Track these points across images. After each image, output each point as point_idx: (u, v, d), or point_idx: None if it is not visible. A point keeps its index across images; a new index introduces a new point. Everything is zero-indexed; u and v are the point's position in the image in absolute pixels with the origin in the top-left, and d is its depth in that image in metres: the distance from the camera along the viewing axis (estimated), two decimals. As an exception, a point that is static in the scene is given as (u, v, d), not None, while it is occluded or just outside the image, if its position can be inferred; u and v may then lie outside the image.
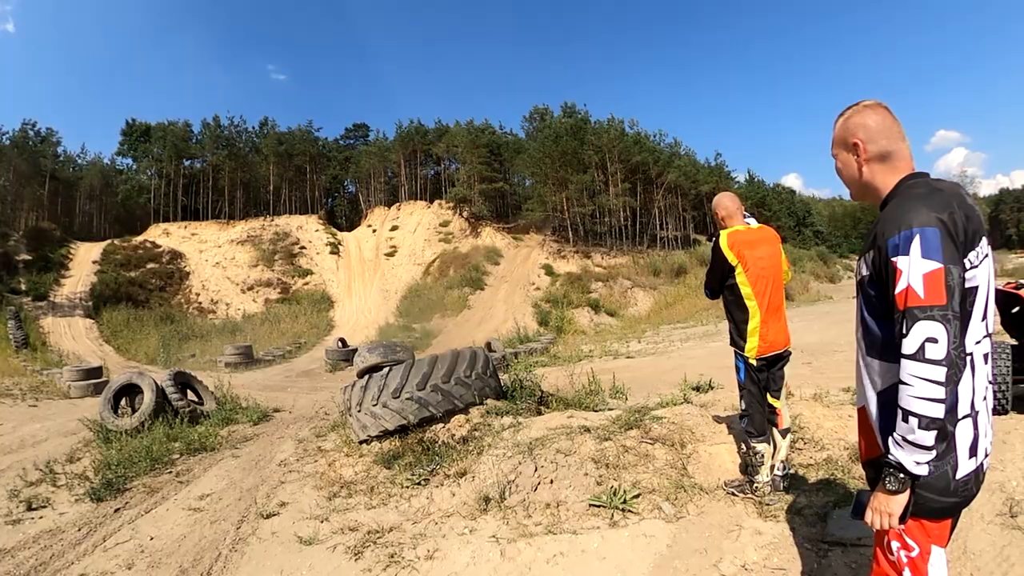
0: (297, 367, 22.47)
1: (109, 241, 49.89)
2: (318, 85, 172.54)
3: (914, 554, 1.73)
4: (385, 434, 5.89)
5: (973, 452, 1.72)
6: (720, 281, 4.13)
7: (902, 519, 1.69)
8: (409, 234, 56.93)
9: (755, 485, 4.14)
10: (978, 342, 1.74)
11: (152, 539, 4.55)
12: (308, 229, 57.41)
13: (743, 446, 4.38)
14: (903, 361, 1.63)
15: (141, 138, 64.80)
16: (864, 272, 1.84)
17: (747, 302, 4.03)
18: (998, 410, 5.17)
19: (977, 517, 3.42)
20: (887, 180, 1.88)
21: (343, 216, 68.15)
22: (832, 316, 17.39)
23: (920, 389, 1.59)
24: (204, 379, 10.42)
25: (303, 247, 54.47)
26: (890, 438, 1.70)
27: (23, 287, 39.02)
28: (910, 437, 1.62)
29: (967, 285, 1.69)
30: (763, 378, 4.14)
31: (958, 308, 1.62)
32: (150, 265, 47.15)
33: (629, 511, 4.08)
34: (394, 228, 58.55)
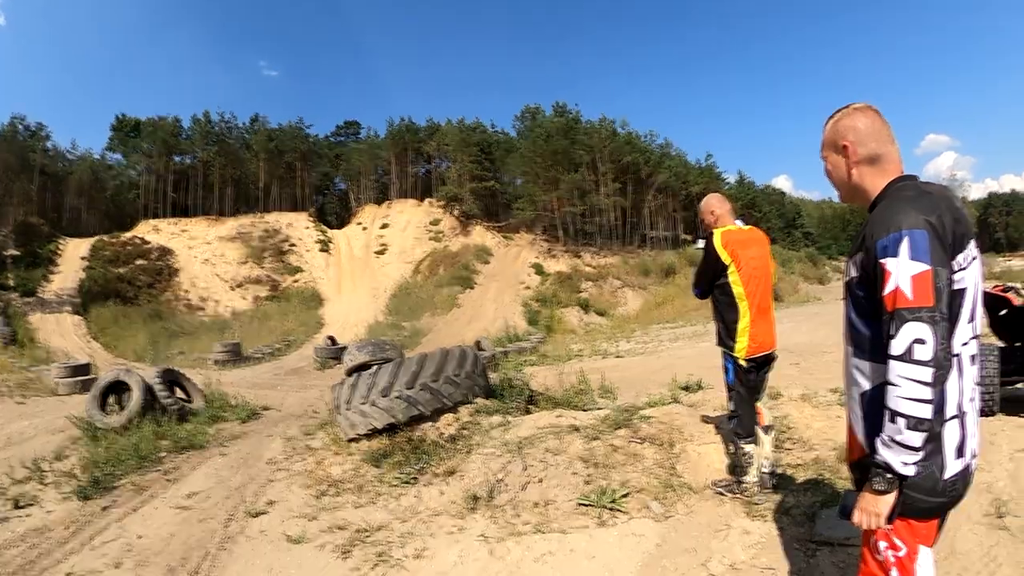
0: (286, 365, 22.35)
1: (98, 237, 49.37)
2: (310, 82, 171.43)
3: (901, 554, 1.74)
4: (374, 432, 5.86)
5: (960, 453, 1.73)
6: (711, 280, 4.13)
7: (889, 519, 1.70)
8: (399, 232, 56.80)
9: (743, 485, 4.15)
10: (965, 344, 1.75)
11: (140, 538, 4.51)
12: (298, 226, 57.14)
13: (731, 446, 4.40)
14: (891, 362, 1.64)
15: (131, 133, 64.15)
16: (853, 273, 1.85)
17: (739, 302, 4.03)
18: (986, 412, 5.21)
19: (964, 517, 3.45)
20: (876, 182, 1.89)
21: (333, 214, 67.79)
22: (821, 317, 17.46)
23: (908, 390, 1.60)
24: (193, 376, 10.31)
25: (293, 244, 54.22)
26: (878, 439, 1.70)
27: (11, 283, 38.65)
28: (898, 437, 1.63)
29: (955, 287, 1.70)
30: (752, 379, 4.16)
31: (946, 310, 1.63)
32: (139, 261, 46.74)
33: (618, 510, 4.09)
34: (384, 226, 58.38)
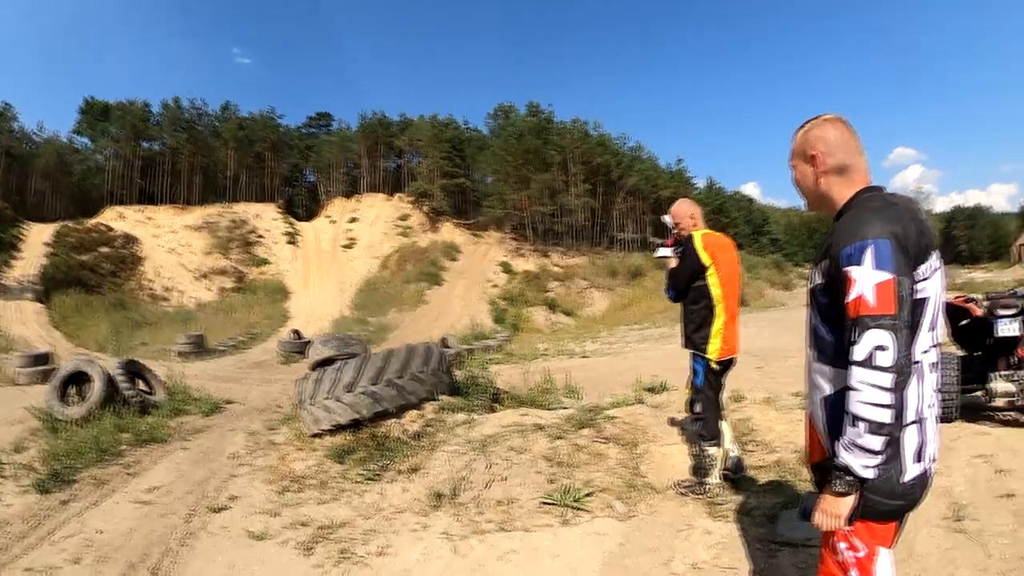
0: (250, 358, 22.06)
1: (62, 223, 47.62)
2: (283, 71, 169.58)
3: (861, 555, 1.77)
4: (338, 428, 5.82)
5: (919, 457, 1.76)
6: (689, 281, 4.17)
7: (849, 521, 1.73)
8: (368, 227, 56.34)
9: (706, 486, 4.20)
10: (926, 351, 1.78)
11: (100, 533, 4.41)
12: (266, 217, 56.27)
13: (695, 448, 4.44)
14: (852, 367, 1.66)
15: (100, 117, 62.37)
16: (817, 280, 1.87)
17: (716, 304, 4.10)
18: (946, 418, 5.34)
19: (923, 520, 3.52)
20: (843, 192, 1.92)
21: (302, 206, 66.84)
22: (785, 322, 17.74)
23: (868, 395, 1.63)
24: (155, 368, 10.12)
25: (260, 236, 53.37)
26: (838, 442, 1.72)
27: (-29, 268, 37.47)
28: (858, 441, 1.65)
29: (917, 296, 1.73)
30: (720, 382, 4.22)
31: (907, 318, 1.66)
32: (103, 249, 45.39)
33: (581, 509, 4.10)
34: (353, 220, 57.86)
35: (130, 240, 47.92)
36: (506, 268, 47.69)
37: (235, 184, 62.37)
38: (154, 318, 36.86)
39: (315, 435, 5.94)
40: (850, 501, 1.71)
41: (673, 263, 4.32)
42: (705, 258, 4.08)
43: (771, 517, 3.83)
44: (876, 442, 1.63)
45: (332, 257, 52.11)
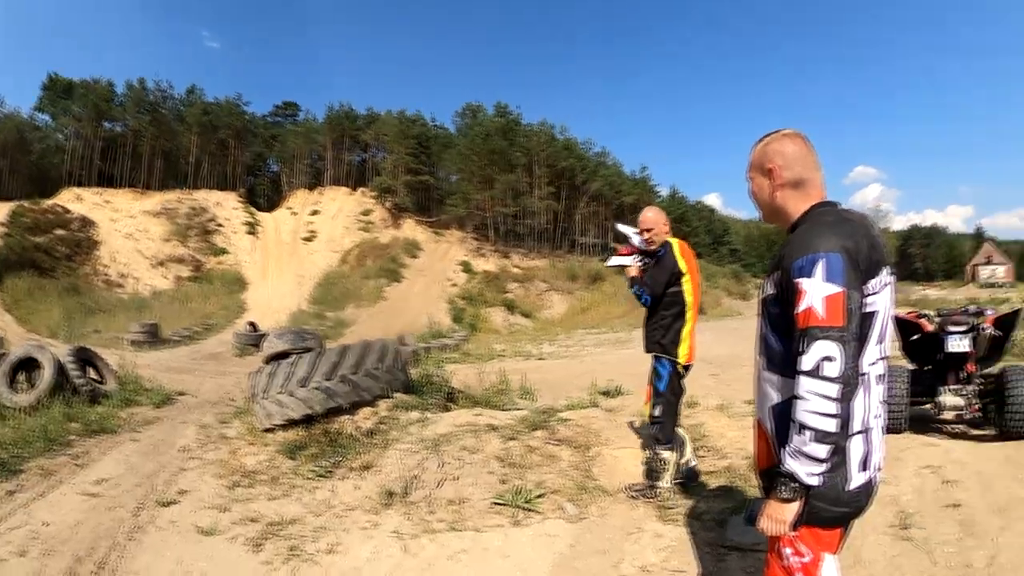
0: (205, 349, 21.69)
1: (18, 203, 45.42)
2: (252, 57, 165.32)
3: (806, 560, 1.79)
4: (290, 423, 5.74)
5: (864, 466, 1.80)
6: (667, 287, 4.23)
7: (794, 526, 1.75)
8: (329, 220, 55.64)
9: (657, 490, 4.24)
10: (873, 363, 1.81)
11: (46, 525, 4.27)
12: (226, 206, 55.00)
13: (649, 451, 4.46)
14: (799, 377, 1.69)
15: (62, 95, 59.94)
16: (769, 291, 1.91)
17: (688, 310, 4.21)
18: (895, 429, 5.49)
19: (871, 528, 3.60)
20: (798, 206, 1.95)
21: (264, 196, 65.46)
22: (741, 332, 18.00)
23: (814, 404, 1.66)
24: (107, 357, 9.92)
25: (220, 224, 52.14)
26: (784, 449, 1.75)
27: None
28: (803, 449, 1.68)
29: (866, 310, 1.76)
30: (682, 387, 4.29)
31: (856, 330, 1.69)
32: (59, 231, 43.44)
33: (532, 511, 4.10)
34: (315, 212, 57.07)
35: (87, 223, 46.24)
36: (466, 268, 47.60)
37: (197, 170, 60.80)
38: (108, 305, 35.83)
39: (267, 430, 5.86)
40: (795, 507, 1.74)
41: (635, 271, 4.36)
42: (682, 265, 4.19)
43: (721, 522, 3.88)
44: (821, 450, 1.66)
45: (292, 249, 51.36)
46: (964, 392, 5.50)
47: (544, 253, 54.98)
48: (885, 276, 1.82)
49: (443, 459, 4.78)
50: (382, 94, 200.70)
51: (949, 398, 5.54)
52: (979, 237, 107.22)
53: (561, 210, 58.53)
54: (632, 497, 4.30)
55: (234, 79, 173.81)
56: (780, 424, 1.84)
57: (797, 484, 1.71)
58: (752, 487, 4.31)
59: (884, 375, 1.87)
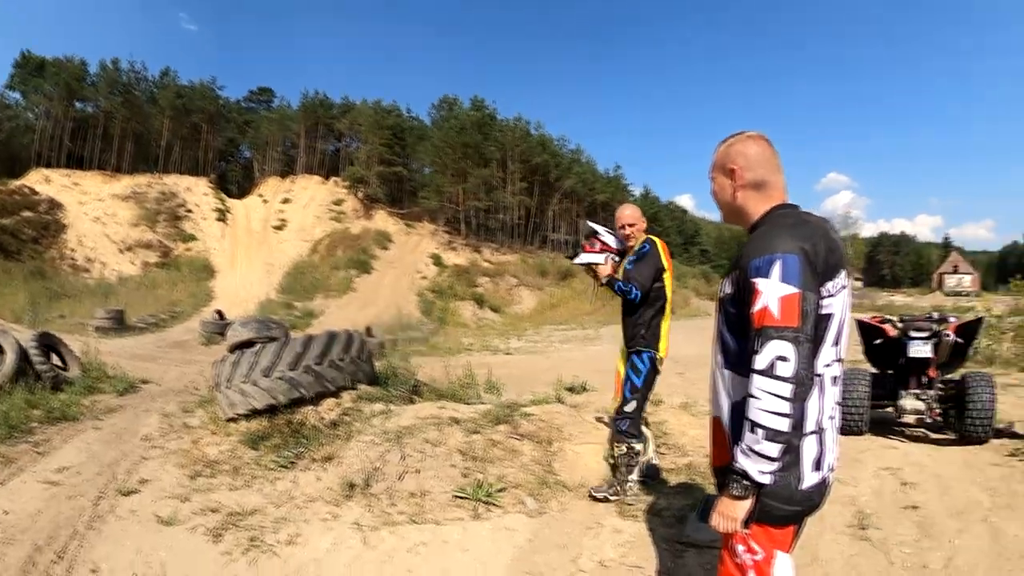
0: (170, 337, 21.36)
1: None
2: (228, 41, 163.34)
3: (759, 557, 1.81)
4: (253, 413, 5.67)
5: (818, 466, 1.82)
6: (653, 282, 4.25)
7: (745, 524, 1.77)
8: (301, 209, 54.92)
9: (628, 483, 4.22)
10: (828, 365, 1.83)
11: (6, 513, 4.19)
12: (196, 192, 53.82)
13: (616, 447, 4.38)
14: (753, 376, 1.70)
15: (34, 72, 58.01)
16: (727, 290, 1.92)
17: (667, 306, 4.30)
18: (855, 431, 5.60)
19: (828, 527, 3.67)
20: (758, 207, 1.97)
21: (235, 182, 64.20)
22: (708, 331, 17.88)
23: (767, 403, 1.67)
24: (71, 343, 9.76)
25: (189, 210, 50.99)
26: (737, 447, 1.77)
27: None
28: (755, 447, 1.69)
29: (822, 312, 1.78)
30: (655, 381, 4.33)
31: (811, 331, 1.70)
32: (25, 213, 42.02)
33: (493, 504, 4.11)
34: (286, 201, 56.25)
35: (55, 206, 44.92)
36: (437, 260, 47.42)
37: (168, 154, 59.41)
38: (74, 290, 34.98)
39: (230, 419, 5.79)
40: (746, 505, 1.76)
41: (608, 268, 4.34)
42: (664, 261, 4.25)
43: (680, 518, 3.91)
44: (773, 449, 1.68)
45: (262, 238, 50.61)
46: (925, 397, 5.62)
47: (515, 248, 54.92)
48: (842, 279, 1.84)
49: (405, 452, 4.76)
50: (358, 83, 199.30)
51: (910, 402, 5.65)
52: (947, 246, 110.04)
53: (534, 206, 58.55)
54: (603, 500, 4.23)
55: (210, 63, 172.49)
56: (734, 422, 1.86)
57: (749, 482, 1.73)
58: (712, 485, 4.34)
59: (839, 377, 1.89)
